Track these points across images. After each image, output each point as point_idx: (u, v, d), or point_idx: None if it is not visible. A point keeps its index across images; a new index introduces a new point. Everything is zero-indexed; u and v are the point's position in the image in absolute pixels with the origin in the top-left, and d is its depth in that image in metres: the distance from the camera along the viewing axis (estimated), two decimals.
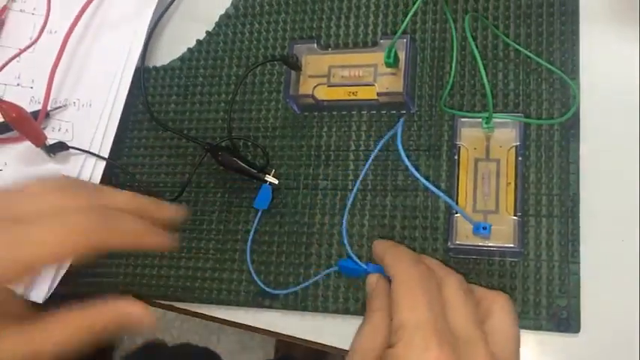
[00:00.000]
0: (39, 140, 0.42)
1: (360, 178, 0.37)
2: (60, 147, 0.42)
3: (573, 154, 0.35)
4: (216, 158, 0.40)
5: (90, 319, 0.27)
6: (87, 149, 0.43)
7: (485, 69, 0.37)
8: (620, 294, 0.33)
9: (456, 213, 0.34)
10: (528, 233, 0.34)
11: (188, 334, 1.14)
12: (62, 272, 0.42)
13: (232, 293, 0.39)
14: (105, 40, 0.45)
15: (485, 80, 0.30)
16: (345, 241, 0.36)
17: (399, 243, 0.36)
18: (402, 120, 0.36)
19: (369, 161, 0.37)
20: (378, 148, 0.37)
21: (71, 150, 0.43)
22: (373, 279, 0.33)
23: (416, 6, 0.33)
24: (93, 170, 0.43)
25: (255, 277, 0.38)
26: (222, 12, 0.45)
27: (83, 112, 0.44)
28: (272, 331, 0.39)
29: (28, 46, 0.45)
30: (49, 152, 0.43)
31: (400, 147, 0.30)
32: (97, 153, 0.43)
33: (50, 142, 0.43)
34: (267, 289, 0.38)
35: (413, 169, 0.30)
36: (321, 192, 0.39)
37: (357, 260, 0.35)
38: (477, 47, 0.37)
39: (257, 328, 0.39)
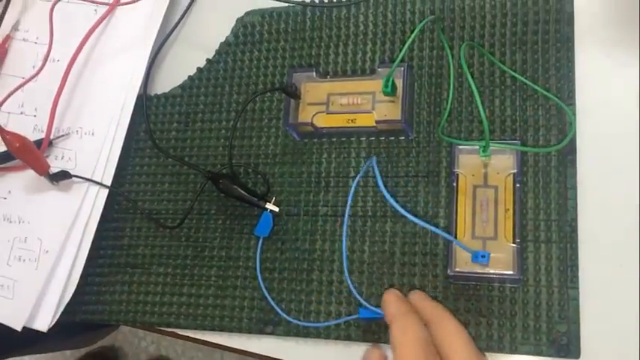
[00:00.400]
0: (42, 169, 0.42)
1: (349, 204, 0.37)
2: (63, 176, 0.43)
3: (570, 179, 0.35)
4: (217, 186, 0.41)
5: None
6: (89, 177, 0.43)
7: (481, 96, 0.37)
8: (619, 319, 0.33)
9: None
10: (527, 259, 0.35)
11: (192, 350, 1.14)
12: (66, 300, 0.42)
13: (234, 320, 0.40)
14: (107, 68, 0.46)
15: (481, 109, 0.31)
16: (346, 273, 0.36)
17: (400, 268, 0.37)
18: (373, 158, 0.36)
19: (352, 191, 0.38)
20: (355, 183, 0.38)
21: (74, 178, 0.43)
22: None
23: (413, 35, 0.34)
24: (95, 198, 0.43)
25: (273, 304, 0.38)
26: (222, 40, 0.45)
27: (86, 141, 0.45)
28: (274, 358, 0.39)
29: (33, 76, 0.46)
30: (52, 180, 0.43)
31: (380, 184, 0.30)
32: (99, 181, 0.43)
33: (53, 170, 0.43)
34: (289, 319, 0.38)
35: (392, 201, 0.30)
36: (321, 218, 0.40)
37: (377, 310, 0.35)
38: (473, 75, 0.38)
39: (260, 355, 0.40)
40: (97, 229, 0.43)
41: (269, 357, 0.39)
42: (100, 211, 0.43)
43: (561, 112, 0.36)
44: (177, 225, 0.42)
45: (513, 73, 0.37)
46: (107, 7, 0.46)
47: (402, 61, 0.37)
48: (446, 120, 0.38)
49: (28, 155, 0.42)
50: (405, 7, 0.41)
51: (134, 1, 0.45)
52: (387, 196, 0.30)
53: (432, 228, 0.30)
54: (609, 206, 0.35)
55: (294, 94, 0.39)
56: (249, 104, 0.43)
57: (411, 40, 0.34)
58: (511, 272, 0.33)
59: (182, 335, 0.41)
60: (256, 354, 0.39)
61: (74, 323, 0.44)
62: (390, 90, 0.36)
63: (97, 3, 0.47)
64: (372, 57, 0.41)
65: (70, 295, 0.42)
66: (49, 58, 0.46)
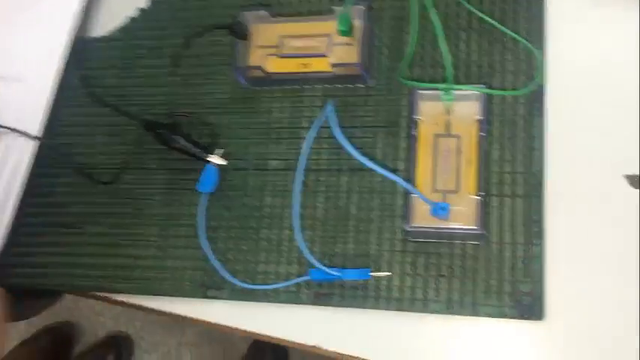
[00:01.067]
0: None
1: (304, 156, 0.34)
2: None
3: (537, 128, 0.33)
4: (157, 137, 0.37)
5: None
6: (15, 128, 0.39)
7: (445, 36, 0.34)
8: (586, 278, 0.31)
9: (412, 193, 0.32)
10: (491, 215, 0.32)
11: (151, 325, 1.11)
12: None
13: (176, 283, 0.36)
14: (37, 8, 0.41)
15: (443, 48, 0.28)
16: (297, 231, 0.33)
17: (355, 225, 0.34)
18: (330, 103, 0.33)
19: (309, 142, 0.34)
20: (312, 132, 0.35)
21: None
22: None
23: None
24: (22, 151, 0.39)
25: (218, 265, 0.35)
26: None
27: (13, 88, 0.40)
28: (219, 324, 0.36)
29: None
30: None
31: (338, 133, 0.27)
32: (26, 132, 0.39)
33: None
34: (235, 281, 0.35)
35: (354, 152, 0.27)
36: (271, 172, 0.36)
37: (330, 271, 0.32)
38: (438, 15, 0.35)
39: (203, 320, 0.36)
40: (26, 185, 0.39)
41: (216, 324, 0.36)
42: (26, 165, 0.39)
43: (530, 57, 0.34)
44: (112, 180, 0.38)
45: (480, 14, 0.34)
46: None
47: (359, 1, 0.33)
48: (408, 65, 0.35)
49: None
50: None
51: None
52: (345, 143, 0.27)
53: (391, 175, 0.28)
54: (578, 157, 0.32)
55: (241, 34, 0.35)
56: (194, 47, 0.39)
57: None
58: (473, 227, 0.31)
59: (116, 300, 0.38)
60: (199, 320, 0.36)
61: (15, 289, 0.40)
62: (347, 30, 0.32)
63: None
64: None
65: None
66: None
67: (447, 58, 0.28)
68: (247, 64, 0.36)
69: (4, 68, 0.41)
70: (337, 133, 0.28)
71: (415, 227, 0.31)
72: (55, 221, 0.39)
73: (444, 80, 0.34)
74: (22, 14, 0.41)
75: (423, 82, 0.35)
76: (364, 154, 0.34)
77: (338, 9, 0.35)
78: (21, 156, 0.39)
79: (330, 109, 0.32)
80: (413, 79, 0.35)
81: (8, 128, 0.39)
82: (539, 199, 0.32)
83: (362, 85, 0.36)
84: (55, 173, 0.40)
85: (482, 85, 0.33)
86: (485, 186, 0.32)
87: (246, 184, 0.37)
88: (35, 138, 0.39)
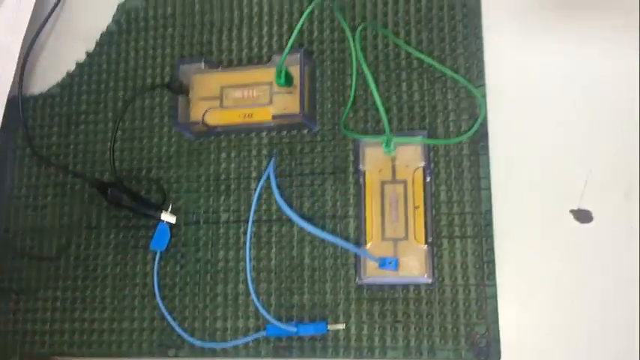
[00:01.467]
0: None
1: (252, 209, 0.34)
2: None
3: (484, 168, 0.32)
4: (105, 197, 0.36)
5: None
6: None
7: (382, 84, 0.34)
8: (540, 314, 0.31)
9: (364, 245, 0.32)
10: (442, 257, 0.32)
11: None
12: None
13: (134, 344, 0.36)
14: None
15: (379, 103, 0.27)
16: (251, 287, 0.33)
17: (310, 275, 0.34)
18: (272, 160, 0.33)
19: (256, 196, 0.34)
20: (259, 187, 0.34)
21: None
22: None
23: (302, 20, 0.30)
24: None
25: (174, 324, 0.35)
26: (103, 29, 0.40)
27: None
28: None
29: None
30: None
31: (275, 190, 0.27)
32: None
33: None
34: (192, 340, 0.34)
35: (290, 212, 0.27)
36: (223, 225, 0.36)
37: (285, 327, 0.32)
38: (374, 60, 0.35)
39: None
40: None
41: None
42: None
43: (471, 95, 0.33)
44: (57, 258, 0.37)
45: (419, 54, 0.34)
46: None
47: (299, 46, 0.33)
48: (350, 110, 0.34)
49: None
50: None
51: None
52: (284, 206, 0.27)
53: (335, 239, 0.27)
54: (524, 194, 0.32)
55: (179, 90, 0.34)
56: (136, 101, 0.38)
57: (300, 25, 0.30)
58: (423, 276, 0.31)
59: None
60: None
61: None
62: (284, 81, 0.32)
63: None
64: (268, 42, 0.37)
65: None
66: None
67: (383, 113, 0.27)
68: (189, 119, 0.35)
69: None
70: (278, 197, 0.27)
71: (366, 282, 0.31)
72: (6, 287, 0.38)
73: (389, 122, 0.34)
74: None
75: (369, 125, 0.34)
76: (316, 202, 0.34)
77: (277, 58, 0.34)
78: None
79: (270, 168, 0.32)
80: (357, 123, 0.34)
81: None
82: (489, 239, 0.32)
83: (307, 131, 0.35)
84: (4, 239, 0.39)
85: (423, 133, 0.32)
86: (435, 229, 0.32)
87: (198, 239, 0.36)
88: None
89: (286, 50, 0.30)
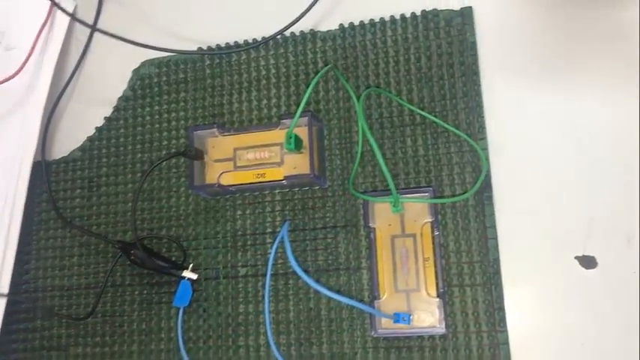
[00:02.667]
0: None
1: (270, 265, 0.36)
2: None
3: (489, 218, 0.34)
4: (129, 258, 0.38)
5: None
6: None
7: (388, 141, 0.36)
8: (551, 358, 0.32)
9: (377, 298, 0.33)
10: (453, 306, 0.34)
11: None
12: None
13: None
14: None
15: (383, 167, 0.29)
16: (270, 338, 0.35)
17: (327, 326, 0.35)
18: (286, 223, 0.35)
19: (273, 253, 0.36)
20: (274, 246, 0.36)
21: None
22: None
23: (310, 89, 0.32)
24: None
25: None
26: (120, 94, 0.42)
27: None
28: None
29: None
30: None
31: (289, 254, 0.29)
32: None
33: None
34: None
35: (305, 276, 0.28)
36: (242, 279, 0.37)
37: None
38: (379, 117, 0.36)
39: None
40: (6, 311, 0.40)
41: None
42: (1, 314, 0.39)
43: (474, 149, 0.35)
44: (86, 317, 0.39)
45: (421, 112, 0.36)
46: None
47: (306, 109, 0.34)
48: (357, 169, 0.36)
49: None
50: (305, 47, 0.39)
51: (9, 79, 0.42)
52: (299, 271, 0.28)
53: (347, 300, 0.29)
54: (530, 242, 0.34)
55: (195, 156, 0.36)
56: (149, 173, 0.40)
57: (308, 94, 0.32)
58: (436, 327, 0.32)
59: None
60: None
61: None
62: (294, 146, 0.33)
63: None
64: (277, 103, 0.39)
65: None
66: None
67: (389, 177, 0.29)
68: (204, 181, 0.37)
69: None
70: (292, 261, 0.29)
71: (381, 334, 0.33)
72: (38, 345, 0.40)
73: (396, 179, 0.36)
74: None
75: (376, 182, 0.36)
76: (329, 255, 0.36)
77: (286, 121, 0.36)
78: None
79: (284, 232, 0.34)
80: (366, 180, 0.36)
81: None
82: (498, 286, 0.33)
83: (319, 188, 0.37)
84: (34, 298, 0.41)
85: (430, 191, 0.34)
86: (445, 278, 0.34)
87: (218, 293, 0.38)
88: (6, 295, 0.40)
89: (295, 119, 0.32)
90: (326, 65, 0.37)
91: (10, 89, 0.42)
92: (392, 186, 0.30)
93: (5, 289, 0.39)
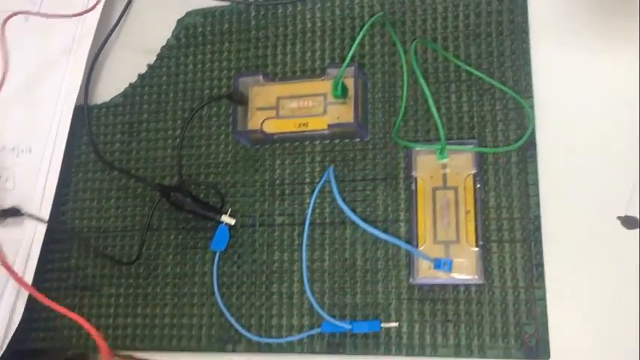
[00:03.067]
0: None
1: (309, 213, 0.36)
2: (13, 213, 0.40)
3: (532, 175, 0.34)
4: (169, 200, 0.38)
5: None
6: (30, 203, 0.40)
7: (434, 98, 0.36)
8: (587, 316, 0.33)
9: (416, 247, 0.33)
10: (491, 260, 0.34)
11: None
12: (14, 327, 0.40)
13: (193, 339, 0.38)
14: (41, 80, 0.43)
15: (435, 113, 0.29)
16: (306, 286, 0.35)
17: (362, 276, 0.35)
18: (331, 168, 0.35)
19: (312, 201, 0.36)
20: (315, 193, 0.36)
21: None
22: None
23: (360, 36, 0.32)
24: (36, 231, 0.40)
25: (233, 320, 0.36)
26: (164, 43, 0.43)
27: (23, 159, 0.42)
28: None
29: None
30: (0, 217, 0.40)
31: (337, 197, 0.29)
32: (38, 212, 0.40)
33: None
34: (249, 335, 0.36)
35: (352, 215, 0.29)
36: (278, 228, 0.38)
37: (340, 324, 0.34)
38: (426, 71, 0.36)
39: None
40: (41, 250, 0.40)
41: None
42: (40, 242, 0.40)
43: (519, 106, 0.35)
44: (134, 260, 0.39)
45: (468, 68, 0.36)
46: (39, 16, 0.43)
47: (351, 60, 0.35)
48: (401, 121, 0.36)
49: None
50: (352, 1, 0.39)
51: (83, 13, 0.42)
52: (346, 209, 0.29)
53: (391, 239, 0.29)
54: (572, 201, 0.34)
55: (240, 100, 0.37)
56: (196, 113, 0.40)
57: (358, 40, 0.32)
58: (475, 277, 0.32)
59: (138, 358, 0.39)
60: None
61: (24, 351, 0.41)
62: (341, 93, 0.34)
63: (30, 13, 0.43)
64: (321, 56, 0.39)
65: (16, 325, 0.39)
66: None
67: (438, 122, 0.29)
68: (247, 127, 0.37)
69: (17, 140, 0.42)
70: (339, 201, 0.29)
71: (419, 282, 0.33)
72: (71, 284, 0.41)
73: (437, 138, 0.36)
74: (28, 87, 0.43)
75: (418, 135, 0.36)
76: (367, 207, 0.36)
77: (331, 71, 0.37)
78: (34, 235, 0.40)
79: (330, 174, 0.34)
80: (408, 133, 0.36)
81: (31, 216, 0.40)
82: (537, 243, 0.33)
83: (359, 140, 0.37)
84: (69, 239, 0.42)
85: (474, 141, 0.34)
86: (484, 233, 0.34)
87: (254, 241, 0.38)
88: (47, 221, 0.40)
89: (344, 65, 0.32)
90: (373, 17, 0.37)
91: (56, 32, 0.43)
92: (441, 130, 0.30)
93: (45, 218, 0.40)
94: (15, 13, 0.42)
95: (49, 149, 0.41)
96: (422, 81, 0.29)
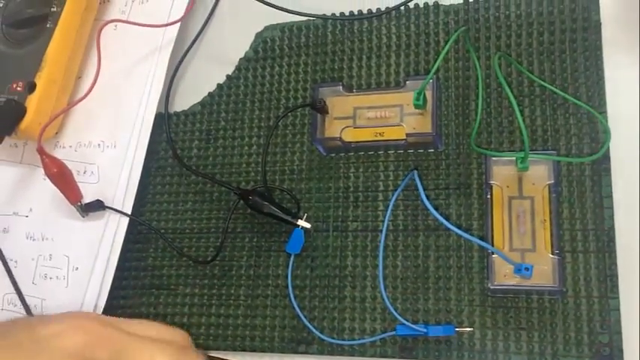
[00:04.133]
0: (75, 198, 0.42)
1: (387, 218, 0.37)
2: (96, 206, 0.42)
3: (606, 188, 0.35)
4: (247, 202, 0.40)
5: None
6: (113, 194, 0.42)
7: (516, 107, 0.37)
8: None
9: (493, 253, 0.34)
10: (566, 270, 0.34)
11: None
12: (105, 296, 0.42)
13: (266, 340, 0.39)
14: (126, 84, 0.45)
15: (519, 118, 0.30)
16: (382, 289, 0.36)
17: (434, 282, 0.36)
18: (415, 172, 0.37)
19: (390, 205, 0.37)
20: (394, 197, 0.38)
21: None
22: None
23: (447, 47, 0.33)
24: (118, 226, 0.42)
25: (306, 321, 0.38)
26: (242, 55, 0.45)
27: (108, 154, 0.44)
28: None
29: (85, 96, 0.43)
30: (83, 212, 0.42)
31: (424, 198, 0.30)
32: (122, 201, 0.42)
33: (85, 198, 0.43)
34: (322, 337, 0.37)
35: (438, 215, 0.30)
36: (351, 234, 0.39)
37: (416, 327, 0.35)
38: (498, 87, 0.38)
39: None
40: (120, 250, 0.42)
41: None
42: (122, 237, 0.42)
43: (592, 121, 0.36)
44: (211, 260, 0.41)
45: (542, 82, 0.37)
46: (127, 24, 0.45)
47: (426, 74, 0.36)
48: (476, 131, 0.37)
49: (63, 182, 0.41)
50: (428, 18, 0.41)
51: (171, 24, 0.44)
52: (431, 209, 0.30)
53: (478, 241, 0.30)
54: None
55: (322, 109, 0.38)
56: (271, 119, 0.42)
57: (444, 53, 0.34)
58: (552, 284, 0.33)
59: (212, 357, 0.40)
60: None
61: None
62: (422, 103, 0.35)
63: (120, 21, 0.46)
64: (396, 70, 0.41)
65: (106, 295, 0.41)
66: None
67: (524, 128, 0.30)
68: (325, 135, 0.39)
69: (101, 136, 0.44)
70: (423, 198, 0.31)
71: (497, 286, 0.34)
72: (148, 283, 0.43)
73: (511, 144, 0.37)
74: (114, 89, 0.45)
75: (491, 146, 0.37)
76: (440, 215, 0.37)
77: (409, 83, 0.38)
78: (117, 229, 0.42)
79: (413, 174, 0.36)
80: (481, 145, 0.38)
81: (113, 209, 0.42)
82: (612, 254, 0.34)
83: (433, 150, 0.39)
84: (147, 238, 0.44)
85: (554, 152, 0.35)
86: (559, 243, 0.35)
87: (327, 246, 0.39)
88: (129, 215, 0.42)
89: (430, 75, 0.34)
90: (457, 30, 0.38)
91: (141, 41, 0.45)
92: (525, 139, 0.31)
93: (129, 211, 0.42)
94: (111, 21, 0.44)
95: (133, 146, 0.43)
96: (507, 90, 0.30)
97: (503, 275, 0.34)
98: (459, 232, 0.30)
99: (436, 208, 0.37)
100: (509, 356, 0.34)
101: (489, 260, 0.35)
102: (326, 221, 0.40)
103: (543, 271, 0.33)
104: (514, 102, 0.30)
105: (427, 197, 0.38)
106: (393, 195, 0.38)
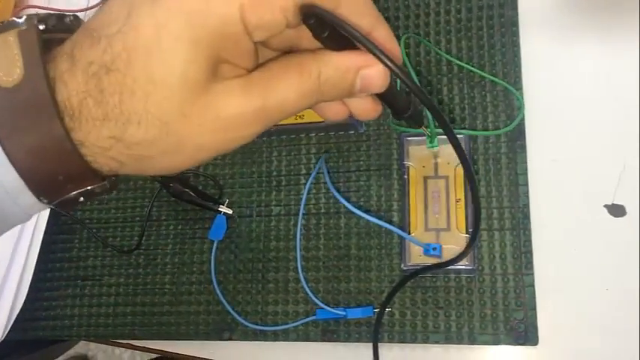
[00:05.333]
0: None
1: (303, 203, 0.37)
2: None
3: (521, 165, 0.35)
4: (168, 190, 0.39)
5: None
6: None
7: (428, 84, 0.37)
8: (575, 303, 0.33)
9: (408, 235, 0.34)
10: (481, 248, 0.34)
11: None
12: (14, 316, 0.41)
13: (191, 327, 0.38)
14: None
15: (423, 98, 0.30)
16: (301, 275, 0.36)
17: (356, 264, 0.36)
18: (322, 158, 0.37)
19: (306, 190, 0.37)
20: (309, 181, 0.37)
21: None
22: None
23: None
24: (38, 217, 0.41)
25: (229, 308, 0.37)
26: None
27: None
28: None
29: None
30: None
31: (328, 182, 0.30)
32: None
33: None
34: (245, 323, 0.37)
35: (342, 199, 0.30)
36: (274, 218, 0.39)
37: (335, 311, 0.35)
38: (416, 66, 0.37)
39: None
40: (44, 241, 0.41)
41: None
42: (43, 226, 0.41)
43: (508, 98, 0.36)
44: (134, 249, 0.40)
45: (457, 61, 0.37)
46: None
47: None
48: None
49: None
50: None
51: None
52: (339, 197, 0.30)
53: (385, 224, 0.30)
54: (560, 190, 0.35)
55: None
56: None
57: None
58: (465, 263, 0.33)
59: (137, 346, 0.40)
60: None
61: (25, 340, 0.42)
62: None
63: None
64: None
65: (18, 310, 0.40)
66: None
67: (427, 108, 0.30)
68: None
69: None
70: (331, 187, 0.30)
71: (410, 266, 0.34)
72: (73, 274, 0.42)
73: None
74: None
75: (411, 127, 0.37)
76: (361, 197, 0.37)
77: None
78: (37, 220, 0.41)
79: (322, 163, 0.35)
80: (401, 125, 0.37)
81: None
82: (526, 231, 0.34)
83: (354, 132, 0.38)
84: (72, 229, 0.43)
85: (463, 128, 0.35)
86: (474, 222, 0.34)
87: (251, 231, 0.39)
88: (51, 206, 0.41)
89: None
90: None
91: None
92: (430, 117, 0.31)
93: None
94: (29, 6, 0.43)
95: None
96: (411, 70, 0.30)
97: (418, 256, 0.34)
98: (362, 214, 0.29)
99: (358, 190, 0.37)
100: (427, 335, 0.34)
101: (403, 242, 0.34)
102: (249, 206, 0.39)
103: (456, 251, 0.33)
104: (416, 80, 0.30)
105: (347, 180, 0.38)
106: (306, 179, 0.38)
